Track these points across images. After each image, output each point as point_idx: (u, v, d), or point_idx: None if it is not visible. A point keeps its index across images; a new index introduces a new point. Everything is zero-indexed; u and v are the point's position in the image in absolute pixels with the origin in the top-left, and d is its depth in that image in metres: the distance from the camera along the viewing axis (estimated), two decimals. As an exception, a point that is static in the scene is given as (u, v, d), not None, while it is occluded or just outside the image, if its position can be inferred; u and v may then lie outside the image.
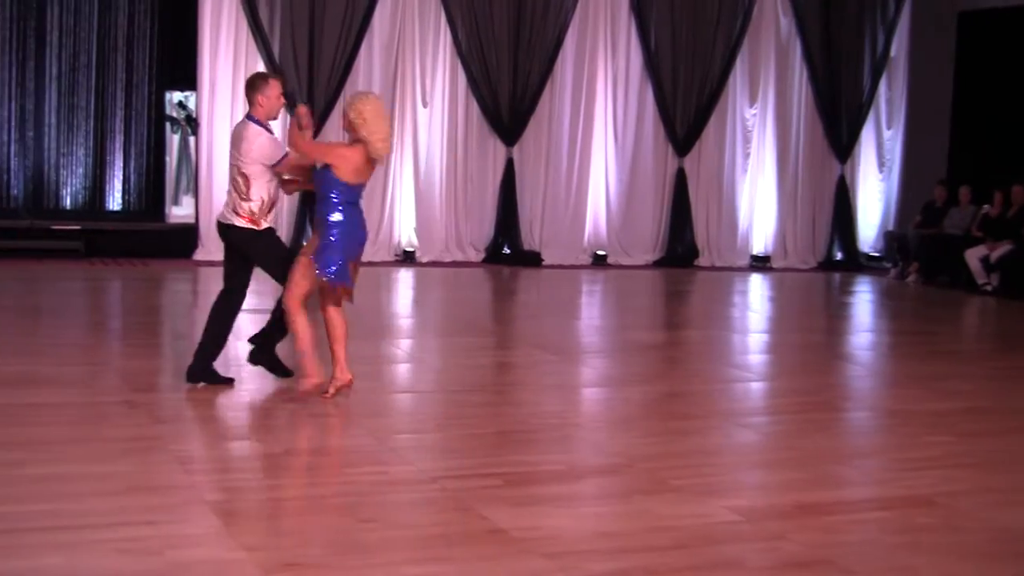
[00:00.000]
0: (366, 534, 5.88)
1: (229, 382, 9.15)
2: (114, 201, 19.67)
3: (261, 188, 8.83)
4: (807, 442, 8.29)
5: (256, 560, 5.41)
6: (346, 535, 5.85)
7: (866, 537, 6.27)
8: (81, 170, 19.45)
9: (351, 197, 8.75)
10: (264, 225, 8.90)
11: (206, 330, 9.10)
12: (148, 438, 7.59)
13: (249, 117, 8.92)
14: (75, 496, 6.23)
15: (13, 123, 19.05)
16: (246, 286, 9.18)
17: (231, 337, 9.24)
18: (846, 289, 19.71)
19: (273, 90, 8.94)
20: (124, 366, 9.91)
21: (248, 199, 8.82)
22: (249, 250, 8.96)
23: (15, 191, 19.14)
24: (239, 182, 8.82)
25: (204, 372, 9.09)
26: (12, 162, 19.08)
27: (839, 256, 22.36)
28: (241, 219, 8.85)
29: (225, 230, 8.98)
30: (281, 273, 8.90)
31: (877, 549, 6.04)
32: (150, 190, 19.54)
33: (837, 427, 9.21)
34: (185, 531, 5.82)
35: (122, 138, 19.58)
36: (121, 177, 19.61)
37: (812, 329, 14.89)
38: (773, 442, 8.48)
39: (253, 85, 8.98)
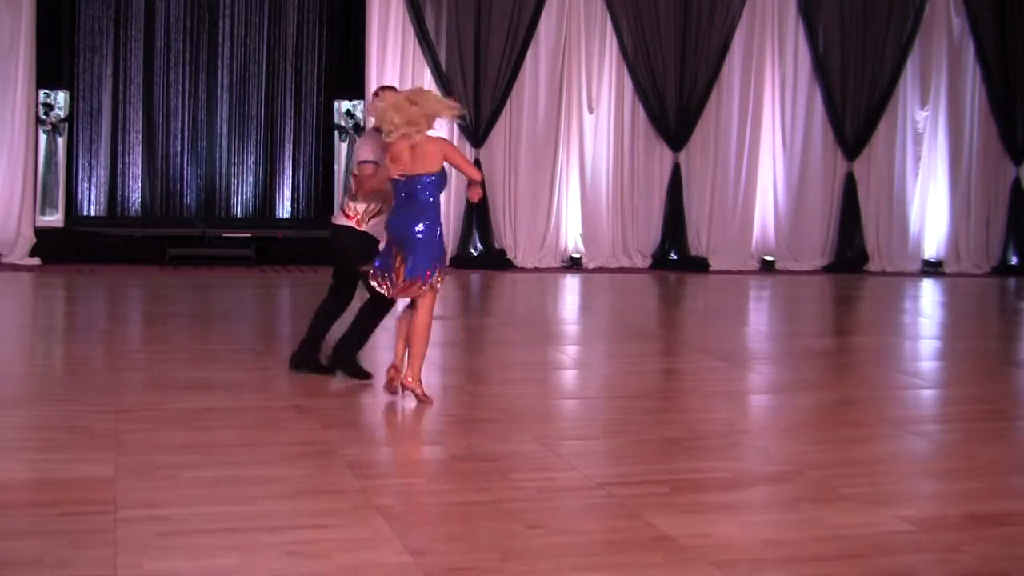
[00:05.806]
0: (533, 540, 5.88)
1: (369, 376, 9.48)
2: (283, 209, 19.96)
3: None
4: (981, 451, 8.12)
5: (423, 564, 5.44)
6: (513, 541, 5.85)
7: (1045, 550, 6.12)
8: (251, 179, 19.78)
9: None
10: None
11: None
12: (318, 443, 7.69)
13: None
14: (247, 499, 6.33)
15: (186, 134, 19.45)
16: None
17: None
18: (1022, 294, 19.28)
19: None
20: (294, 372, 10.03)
21: None
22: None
23: (188, 200, 19.53)
24: None
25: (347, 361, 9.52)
26: (185, 172, 19.46)
27: (1014, 260, 21.78)
28: None
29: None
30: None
31: (1057, 561, 5.89)
32: (319, 198, 19.76)
33: (1013, 436, 8.99)
34: (354, 535, 5.87)
35: (291, 147, 19.87)
36: (291, 185, 19.91)
37: (986, 335, 14.54)
38: (946, 451, 8.32)
39: None
